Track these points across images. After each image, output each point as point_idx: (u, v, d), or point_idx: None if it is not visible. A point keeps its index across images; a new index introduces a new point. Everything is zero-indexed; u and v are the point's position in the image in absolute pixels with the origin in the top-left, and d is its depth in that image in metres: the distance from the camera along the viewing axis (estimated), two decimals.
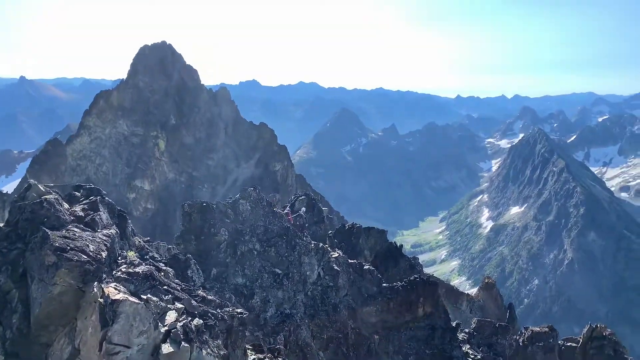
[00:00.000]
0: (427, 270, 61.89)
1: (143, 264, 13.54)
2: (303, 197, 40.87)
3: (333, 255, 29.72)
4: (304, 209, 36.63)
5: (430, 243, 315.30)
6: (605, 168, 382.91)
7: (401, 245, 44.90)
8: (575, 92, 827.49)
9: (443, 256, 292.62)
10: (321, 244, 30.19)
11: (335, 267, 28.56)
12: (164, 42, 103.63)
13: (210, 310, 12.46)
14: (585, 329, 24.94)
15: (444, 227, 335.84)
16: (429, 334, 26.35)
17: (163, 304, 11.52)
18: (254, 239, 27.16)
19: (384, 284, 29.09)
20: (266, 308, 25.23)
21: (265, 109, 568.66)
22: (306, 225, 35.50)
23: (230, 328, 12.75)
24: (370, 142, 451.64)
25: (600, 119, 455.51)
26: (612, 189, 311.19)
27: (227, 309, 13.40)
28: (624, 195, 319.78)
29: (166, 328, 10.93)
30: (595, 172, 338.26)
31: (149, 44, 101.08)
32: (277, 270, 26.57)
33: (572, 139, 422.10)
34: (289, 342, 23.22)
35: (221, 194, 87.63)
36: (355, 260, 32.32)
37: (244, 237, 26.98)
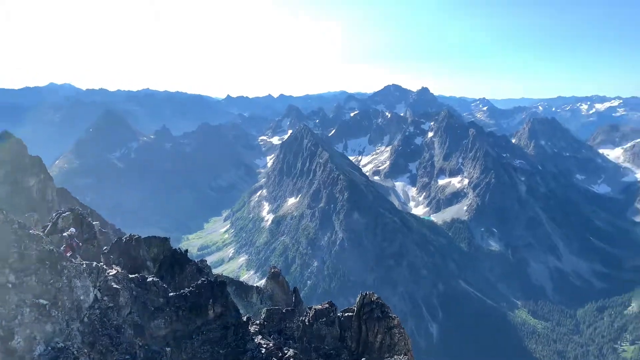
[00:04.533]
0: (216, 271, 61.71)
1: None
2: (68, 213, 36.02)
3: (110, 273, 27.07)
4: (72, 229, 32.27)
5: (217, 243, 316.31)
6: (360, 156, 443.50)
7: (186, 250, 43.58)
8: (330, 91, 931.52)
9: (231, 254, 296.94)
10: (95, 263, 27.20)
11: (115, 285, 26.09)
12: None
13: None
14: (358, 298, 28.16)
15: (228, 226, 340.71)
16: (222, 334, 26.31)
17: None
18: (6, 270, 22.77)
19: (171, 293, 27.89)
20: (32, 347, 21.50)
21: (8, 116, 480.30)
22: (76, 246, 31.53)
23: None
24: (143, 146, 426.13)
25: (352, 114, 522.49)
26: (367, 173, 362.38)
27: None
28: (376, 178, 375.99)
29: None
30: (353, 160, 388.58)
31: None
32: (41, 301, 22.82)
33: (332, 132, 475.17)
34: None
35: None
36: (137, 275, 30.13)
37: None
